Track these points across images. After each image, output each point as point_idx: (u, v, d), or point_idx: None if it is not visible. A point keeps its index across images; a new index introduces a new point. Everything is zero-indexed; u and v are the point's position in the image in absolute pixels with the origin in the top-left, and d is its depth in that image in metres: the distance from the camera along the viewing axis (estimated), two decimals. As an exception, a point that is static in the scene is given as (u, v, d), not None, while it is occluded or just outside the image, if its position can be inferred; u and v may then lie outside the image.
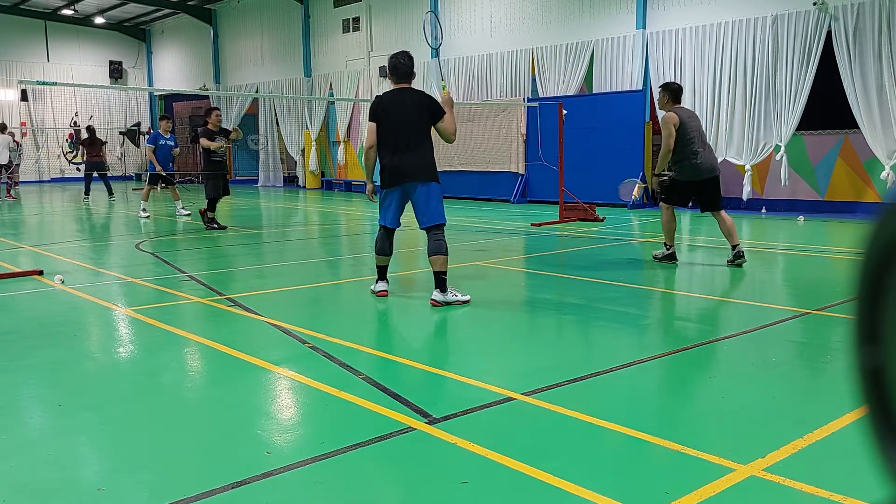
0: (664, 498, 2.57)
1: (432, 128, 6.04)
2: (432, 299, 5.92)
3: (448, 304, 5.89)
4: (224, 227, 11.66)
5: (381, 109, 5.98)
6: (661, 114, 7.96)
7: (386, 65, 6.21)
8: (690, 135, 7.46)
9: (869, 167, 12.45)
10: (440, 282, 5.91)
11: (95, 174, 17.64)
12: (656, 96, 8.00)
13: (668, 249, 7.84)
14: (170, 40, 29.27)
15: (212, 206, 11.65)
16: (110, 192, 17.90)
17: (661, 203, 7.89)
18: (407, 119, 5.91)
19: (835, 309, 5.47)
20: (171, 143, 13.80)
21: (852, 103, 12.10)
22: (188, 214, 13.93)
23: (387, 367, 4.29)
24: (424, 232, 6.10)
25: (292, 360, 4.40)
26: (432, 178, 5.98)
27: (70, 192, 20.86)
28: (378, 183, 6.30)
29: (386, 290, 6.25)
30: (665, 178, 7.64)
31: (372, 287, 6.35)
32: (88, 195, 17.65)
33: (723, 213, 7.50)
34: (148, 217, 13.55)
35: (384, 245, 6.21)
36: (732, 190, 14.00)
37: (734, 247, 7.47)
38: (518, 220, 12.78)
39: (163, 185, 13.84)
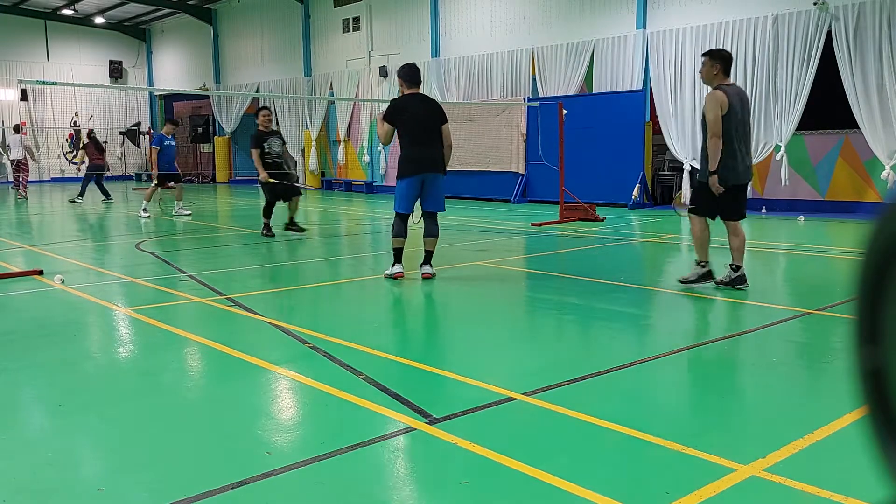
0: (664, 498, 2.57)
1: None
2: (426, 273, 6.84)
3: (434, 275, 6.90)
4: (272, 235, 10.44)
5: (398, 112, 6.83)
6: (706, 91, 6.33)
7: (397, 71, 7.18)
8: (735, 126, 6.07)
9: (869, 167, 12.44)
10: (430, 258, 6.95)
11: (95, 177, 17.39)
12: (701, 67, 6.37)
13: (702, 267, 6.40)
14: (170, 40, 29.27)
15: (266, 211, 10.49)
16: (106, 195, 17.59)
17: (689, 214, 6.49)
18: (428, 120, 6.85)
19: (835, 309, 5.47)
20: (173, 143, 13.77)
21: (852, 103, 12.10)
22: (188, 214, 13.92)
23: (387, 367, 4.29)
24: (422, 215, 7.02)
25: (292, 360, 4.39)
26: (444, 171, 6.95)
27: (70, 192, 20.85)
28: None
29: (403, 272, 6.85)
30: (713, 176, 6.04)
31: (388, 271, 6.91)
32: (83, 196, 17.43)
33: (740, 224, 6.32)
34: (148, 217, 13.53)
35: (401, 228, 6.89)
36: (733, 190, 14.00)
37: (737, 267, 6.29)
38: (518, 220, 12.78)
39: (170, 184, 13.84)
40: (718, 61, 6.20)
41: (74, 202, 17.18)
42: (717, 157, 5.97)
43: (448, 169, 6.96)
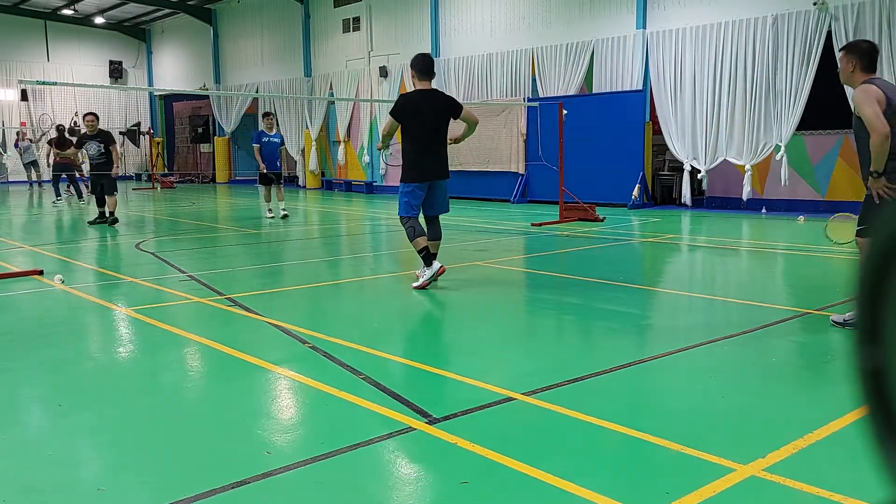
0: (664, 498, 2.57)
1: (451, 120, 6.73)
2: (441, 267, 6.51)
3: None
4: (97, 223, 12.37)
5: (407, 111, 6.52)
6: (850, 91, 5.22)
7: (411, 61, 6.78)
8: None
9: (869, 167, 12.43)
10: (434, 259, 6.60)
11: (64, 175, 16.99)
12: (839, 65, 5.17)
13: None
14: (170, 40, 29.27)
15: (99, 202, 12.48)
16: (79, 195, 17.09)
17: (857, 238, 5.18)
18: (437, 123, 6.58)
19: (835, 309, 5.46)
20: (277, 140, 13.35)
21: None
22: (286, 215, 13.46)
23: (387, 367, 4.29)
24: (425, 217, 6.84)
25: (292, 360, 4.40)
26: (448, 175, 6.81)
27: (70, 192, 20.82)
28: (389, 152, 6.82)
29: (443, 266, 6.54)
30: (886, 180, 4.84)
31: (426, 276, 6.41)
32: (60, 197, 17.20)
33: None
34: (273, 217, 13.22)
35: (419, 228, 6.63)
36: (732, 190, 14.00)
37: None
38: (518, 220, 12.78)
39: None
40: (855, 55, 5.03)
41: (55, 204, 16.93)
42: (885, 155, 4.82)
43: (449, 170, 6.75)
